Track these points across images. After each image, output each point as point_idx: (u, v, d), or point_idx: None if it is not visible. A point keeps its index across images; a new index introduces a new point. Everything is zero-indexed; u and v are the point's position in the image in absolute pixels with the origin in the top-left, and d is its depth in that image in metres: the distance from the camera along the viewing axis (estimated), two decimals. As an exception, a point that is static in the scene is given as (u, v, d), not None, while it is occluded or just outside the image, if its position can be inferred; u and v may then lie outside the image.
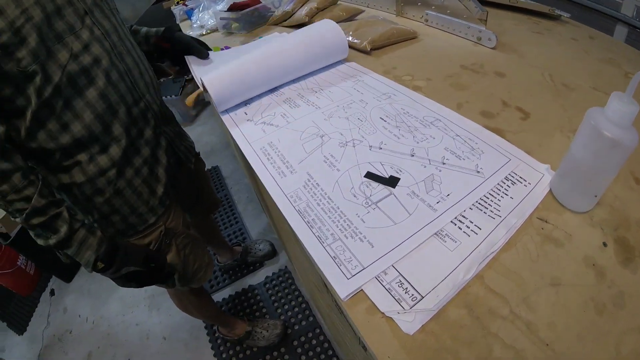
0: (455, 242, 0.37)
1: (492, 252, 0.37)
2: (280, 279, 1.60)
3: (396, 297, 0.33)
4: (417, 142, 0.50)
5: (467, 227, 0.39)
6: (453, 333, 0.32)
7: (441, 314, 0.33)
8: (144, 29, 0.86)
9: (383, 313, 0.33)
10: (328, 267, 0.36)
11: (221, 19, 1.19)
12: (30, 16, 0.50)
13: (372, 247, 0.37)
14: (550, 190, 0.44)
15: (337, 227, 0.40)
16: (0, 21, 0.48)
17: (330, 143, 0.53)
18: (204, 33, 1.28)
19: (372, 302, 0.34)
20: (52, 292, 1.84)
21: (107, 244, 0.62)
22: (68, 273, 1.87)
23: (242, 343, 1.38)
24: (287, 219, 0.43)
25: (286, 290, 1.55)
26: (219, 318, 1.31)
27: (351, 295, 0.34)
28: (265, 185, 0.48)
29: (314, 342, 1.37)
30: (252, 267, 1.66)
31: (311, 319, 1.44)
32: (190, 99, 0.85)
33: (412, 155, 0.48)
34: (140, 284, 0.69)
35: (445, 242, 0.37)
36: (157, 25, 0.88)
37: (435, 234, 0.38)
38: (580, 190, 0.41)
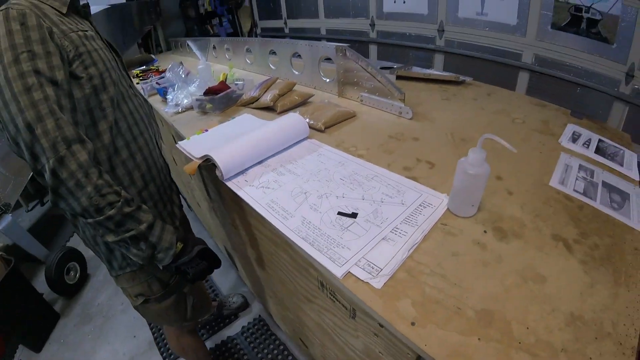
0: (394, 241, 0.67)
1: (416, 243, 0.67)
2: (256, 327, 1.74)
3: (368, 271, 0.62)
4: (365, 191, 0.82)
5: (400, 233, 0.69)
6: (401, 284, 0.60)
7: (394, 276, 0.61)
8: None
9: (362, 280, 0.61)
10: (328, 263, 0.64)
11: (197, 100, 1.48)
12: (110, 75, 0.78)
13: (350, 249, 0.66)
14: (448, 207, 0.76)
15: (327, 242, 0.68)
16: (95, 70, 0.74)
17: (311, 197, 0.82)
18: (180, 111, 1.54)
19: (356, 276, 0.61)
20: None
21: (180, 236, 0.83)
22: (37, 341, 1.79)
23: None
24: (297, 244, 0.70)
25: (263, 336, 1.69)
26: None
27: (344, 275, 0.62)
28: (277, 227, 0.75)
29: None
30: (227, 320, 1.78)
31: (290, 357, 1.58)
32: (191, 169, 1.05)
33: (363, 199, 0.80)
34: (208, 268, 0.86)
35: (389, 242, 0.67)
36: None
37: (383, 238, 0.68)
38: (463, 204, 0.72)
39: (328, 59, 1.38)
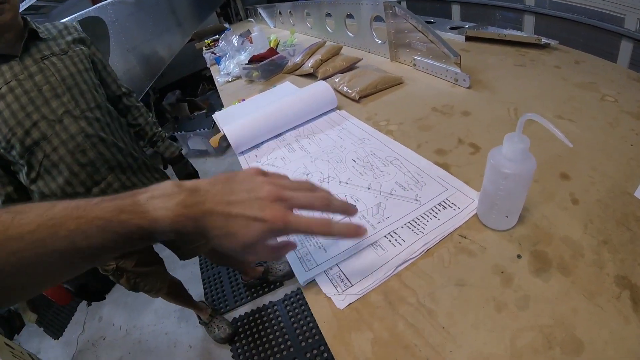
0: (384, 250, 0.53)
1: (412, 259, 0.51)
2: (298, 296, 1.75)
3: (335, 284, 0.49)
4: (375, 178, 0.67)
5: (396, 240, 0.54)
6: (370, 311, 0.46)
7: (364, 298, 0.48)
8: (162, 148, 1.17)
9: (325, 294, 0.49)
10: (294, 263, 0.54)
11: (244, 68, 1.44)
12: (15, 132, 0.78)
13: (326, 252, 0.54)
14: (477, 212, 0.56)
15: (306, 238, 0.57)
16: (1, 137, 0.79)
17: (311, 180, 0.71)
18: (230, 80, 1.53)
19: (319, 287, 0.50)
20: (88, 303, 2.04)
21: None
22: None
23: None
24: (274, 234, 0.61)
25: (303, 307, 1.69)
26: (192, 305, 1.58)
27: (307, 282, 0.51)
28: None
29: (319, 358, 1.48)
30: (272, 286, 1.83)
31: (317, 337, 1.55)
32: (215, 140, 1.06)
33: (369, 188, 0.65)
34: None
35: (377, 250, 0.53)
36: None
37: (371, 244, 0.54)
38: (493, 213, 0.51)
39: (380, 18, 1.17)
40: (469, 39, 1.20)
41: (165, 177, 1.12)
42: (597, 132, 0.68)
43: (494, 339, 0.40)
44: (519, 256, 0.48)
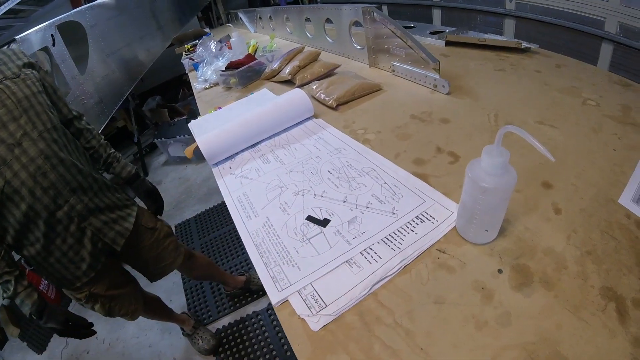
0: (359, 267, 0.51)
1: (388, 276, 0.50)
2: (282, 306, 1.71)
3: (308, 305, 0.47)
4: (351, 190, 0.66)
5: (372, 257, 0.52)
6: (345, 332, 0.45)
7: (339, 319, 0.46)
8: (118, 169, 1.12)
9: (299, 315, 0.47)
10: (267, 283, 0.52)
11: (221, 75, 1.41)
12: None
13: (299, 270, 0.52)
14: (456, 225, 0.54)
15: (279, 255, 0.56)
16: None
17: (286, 192, 0.69)
18: (207, 87, 1.49)
19: (293, 308, 0.48)
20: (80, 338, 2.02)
21: (37, 306, 0.87)
22: None
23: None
24: (247, 250, 0.58)
25: (287, 317, 1.66)
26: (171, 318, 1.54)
27: (280, 303, 0.49)
28: (236, 225, 0.64)
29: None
30: (255, 295, 1.79)
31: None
32: (189, 151, 1.02)
33: (344, 201, 0.63)
34: (60, 335, 0.95)
35: (352, 267, 0.51)
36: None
37: (346, 261, 0.52)
38: (473, 227, 0.50)
39: (358, 23, 1.17)
40: (448, 43, 1.21)
41: (128, 197, 1.09)
42: (580, 138, 0.68)
43: (475, 358, 0.39)
44: (499, 271, 0.47)
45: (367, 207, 0.61)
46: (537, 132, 0.71)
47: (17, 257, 0.89)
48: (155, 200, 1.18)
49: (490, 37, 1.13)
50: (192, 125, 1.09)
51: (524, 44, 1.04)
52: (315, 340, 0.45)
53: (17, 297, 0.85)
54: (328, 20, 1.37)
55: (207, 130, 0.99)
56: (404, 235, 0.55)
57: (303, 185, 0.70)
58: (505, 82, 0.92)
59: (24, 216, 0.82)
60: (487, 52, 1.10)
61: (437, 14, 2.35)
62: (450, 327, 0.42)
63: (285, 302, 0.49)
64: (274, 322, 1.65)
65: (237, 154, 0.87)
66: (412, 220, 0.57)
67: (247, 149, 0.88)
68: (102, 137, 1.10)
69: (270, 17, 1.98)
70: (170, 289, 1.91)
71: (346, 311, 0.47)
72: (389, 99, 0.99)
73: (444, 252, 0.52)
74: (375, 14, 1.04)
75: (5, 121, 0.78)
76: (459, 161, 0.68)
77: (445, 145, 0.73)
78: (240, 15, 2.44)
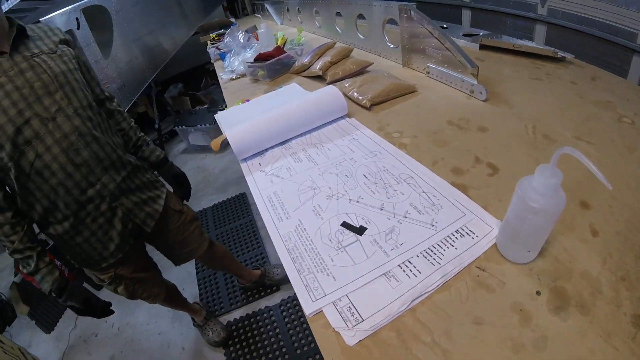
0: (398, 281, 0.49)
1: (427, 292, 0.47)
2: (295, 302, 1.71)
3: (344, 318, 0.45)
4: (388, 198, 0.63)
5: (410, 270, 0.50)
6: (382, 349, 0.43)
7: (376, 334, 0.44)
8: (147, 152, 1.12)
9: (333, 328, 0.45)
10: (301, 291, 0.50)
11: (249, 66, 1.39)
12: (5, 132, 0.74)
13: (335, 280, 0.50)
14: (496, 242, 0.52)
15: (313, 263, 0.53)
16: None
17: (320, 195, 0.67)
18: (234, 77, 1.47)
19: (327, 320, 0.46)
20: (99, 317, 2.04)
21: (59, 283, 0.87)
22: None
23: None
24: (279, 254, 0.57)
25: (299, 313, 1.65)
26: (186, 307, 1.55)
27: (314, 314, 0.47)
28: (267, 227, 0.63)
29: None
30: (269, 290, 1.79)
31: (313, 344, 1.51)
32: (216, 144, 1.01)
33: (381, 209, 0.61)
34: (79, 314, 0.95)
35: (390, 281, 0.49)
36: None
37: (384, 274, 0.50)
38: (515, 245, 0.49)
39: (393, 21, 1.13)
40: (483, 47, 1.16)
41: (157, 179, 1.09)
42: (616, 157, 0.65)
43: (513, 385, 0.37)
44: (538, 293, 0.46)
45: (405, 217, 0.58)
46: (575, 148, 0.68)
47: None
48: (182, 185, 1.18)
49: (525, 44, 1.08)
50: (219, 117, 1.08)
51: (560, 53, 0.99)
52: (350, 355, 0.43)
53: (39, 272, 0.85)
54: (360, 16, 1.33)
55: (234, 123, 0.97)
56: (444, 250, 0.52)
57: (337, 188, 0.67)
58: (541, 92, 0.88)
59: (53, 192, 0.82)
60: (522, 59, 1.07)
61: (466, 14, 2.28)
62: (487, 348, 0.41)
63: (319, 312, 0.47)
64: (286, 319, 1.65)
65: (267, 150, 0.85)
66: (452, 234, 0.55)
67: (277, 145, 0.86)
68: (132, 120, 1.11)
69: (298, 9, 1.95)
70: (183, 278, 1.92)
71: (383, 326, 0.45)
72: (424, 102, 0.95)
73: (483, 270, 0.50)
74: (412, 12, 1.00)
75: (41, 95, 0.78)
76: (498, 173, 0.65)
77: (483, 156, 0.70)
78: (267, 6, 2.41)
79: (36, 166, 0.79)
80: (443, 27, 1.42)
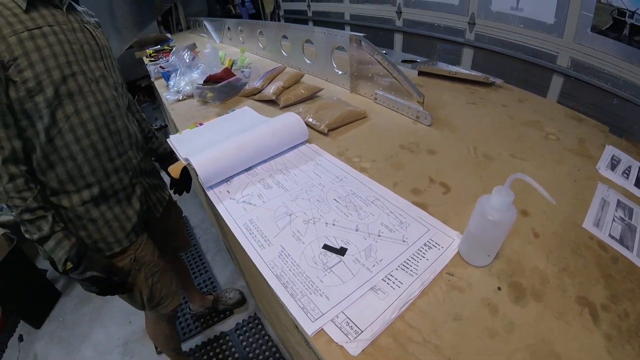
0: (385, 293, 0.55)
1: (411, 299, 0.55)
2: (250, 325, 1.69)
3: (345, 332, 0.50)
4: (361, 219, 0.70)
5: (393, 282, 0.57)
6: (383, 353, 0.48)
7: (375, 342, 0.50)
8: (157, 144, 1.18)
9: (336, 342, 0.49)
10: (299, 314, 0.53)
11: (197, 88, 1.37)
12: (51, 75, 0.73)
13: (328, 299, 0.55)
14: (458, 250, 0.62)
15: (304, 286, 0.57)
16: (30, 73, 0.70)
17: (296, 220, 0.71)
18: (180, 98, 1.44)
19: (329, 336, 0.50)
20: (20, 338, 1.80)
21: (77, 249, 0.79)
22: (37, 318, 1.82)
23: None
24: (268, 282, 0.59)
25: (256, 335, 1.64)
26: (180, 356, 1.44)
27: (315, 333, 0.51)
28: (250, 256, 0.64)
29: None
30: (222, 315, 1.74)
31: (280, 360, 1.52)
32: (176, 171, 0.97)
33: (357, 230, 0.67)
34: (100, 290, 0.85)
35: (378, 294, 0.55)
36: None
37: (371, 288, 0.56)
38: (477, 252, 0.59)
39: (342, 48, 1.23)
40: (421, 73, 1.32)
41: (159, 171, 1.12)
42: (547, 170, 0.80)
43: (494, 362, 0.47)
44: (499, 288, 0.56)
45: (379, 236, 0.66)
46: (512, 165, 0.82)
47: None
48: (186, 178, 1.15)
49: (459, 70, 1.26)
50: (173, 140, 1.04)
51: (491, 79, 1.18)
52: (357, 365, 0.47)
53: (54, 236, 0.76)
54: (308, 41, 1.41)
55: (192, 148, 0.96)
56: (418, 261, 0.60)
57: (312, 213, 0.72)
58: (477, 115, 1.04)
59: (82, 153, 0.79)
60: (458, 84, 1.23)
61: (398, 38, 2.51)
62: (469, 338, 0.49)
63: (320, 330, 0.51)
64: (244, 343, 1.62)
65: (232, 176, 0.86)
66: (421, 247, 0.63)
67: (243, 171, 0.88)
68: (143, 113, 1.14)
69: (240, 29, 1.97)
70: (129, 310, 1.76)
71: (380, 334, 0.50)
72: (375, 127, 1.05)
73: (452, 275, 0.59)
74: (363, 43, 1.11)
75: (89, 57, 0.80)
76: (451, 191, 0.76)
77: (436, 176, 0.81)
78: (206, 23, 2.38)
79: (72, 121, 0.77)
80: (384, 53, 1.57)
